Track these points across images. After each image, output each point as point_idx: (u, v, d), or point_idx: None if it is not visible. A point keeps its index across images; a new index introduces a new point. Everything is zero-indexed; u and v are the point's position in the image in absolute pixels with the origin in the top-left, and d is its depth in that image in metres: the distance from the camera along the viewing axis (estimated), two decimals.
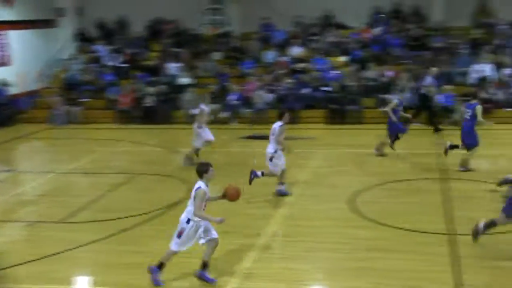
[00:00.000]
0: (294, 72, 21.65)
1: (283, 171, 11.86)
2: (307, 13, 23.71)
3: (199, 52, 23.76)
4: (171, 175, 13.97)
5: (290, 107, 20.11)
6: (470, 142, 13.20)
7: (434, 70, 19.01)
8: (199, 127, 14.43)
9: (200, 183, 7.90)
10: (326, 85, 20.73)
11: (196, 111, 14.94)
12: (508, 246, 9.07)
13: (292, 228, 10.28)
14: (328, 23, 23.89)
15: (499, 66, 20.03)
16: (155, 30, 25.41)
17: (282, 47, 23.11)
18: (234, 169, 14.19)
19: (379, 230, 9.96)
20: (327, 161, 14.94)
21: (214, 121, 20.32)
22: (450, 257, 8.65)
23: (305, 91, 20.71)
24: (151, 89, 21.77)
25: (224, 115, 20.52)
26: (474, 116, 12.97)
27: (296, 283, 8.09)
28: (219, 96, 21.04)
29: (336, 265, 8.63)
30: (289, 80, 21.13)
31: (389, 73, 20.69)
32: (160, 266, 8.02)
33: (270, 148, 11.67)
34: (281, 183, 11.99)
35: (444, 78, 20.12)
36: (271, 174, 11.87)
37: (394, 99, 15.06)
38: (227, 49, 23.89)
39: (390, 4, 23.61)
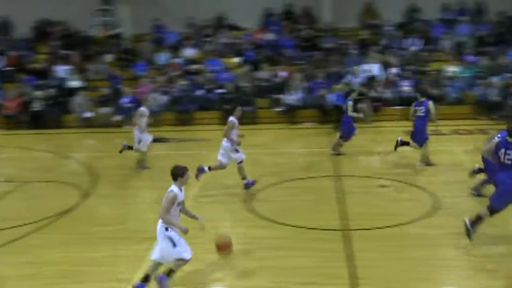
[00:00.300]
0: (187, 73, 21.49)
1: (221, 165, 12.14)
2: (199, 15, 23.60)
3: (90, 54, 23.05)
4: (63, 181, 13.43)
5: (184, 109, 20.07)
6: (422, 138, 13.59)
7: (356, 69, 19.54)
8: (141, 132, 13.90)
9: (173, 187, 7.54)
10: (220, 86, 20.72)
11: (136, 114, 14.28)
12: (401, 238, 9.39)
13: (190, 230, 10.11)
14: (220, 24, 23.90)
15: (386, 65, 20.81)
16: (42, 32, 24.39)
17: (175, 48, 22.87)
18: (126, 173, 13.93)
19: (276, 229, 10.03)
20: None
21: (107, 125, 19.87)
22: (345, 252, 8.84)
23: (199, 92, 20.59)
24: (39, 93, 20.86)
25: (117, 118, 20.02)
26: (427, 112, 13.42)
27: (196, 285, 7.98)
28: (111, 99, 20.54)
29: (235, 265, 8.58)
30: (183, 82, 20.94)
31: (282, 73, 20.98)
32: (169, 272, 7.62)
33: (226, 142, 11.99)
34: (209, 168, 12.23)
35: (335, 78, 20.67)
36: (241, 165, 12.06)
37: (349, 100, 15.16)
38: (118, 51, 23.33)
39: (282, 6, 23.94)
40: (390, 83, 20.21)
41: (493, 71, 20.11)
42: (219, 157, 12.14)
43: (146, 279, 7.64)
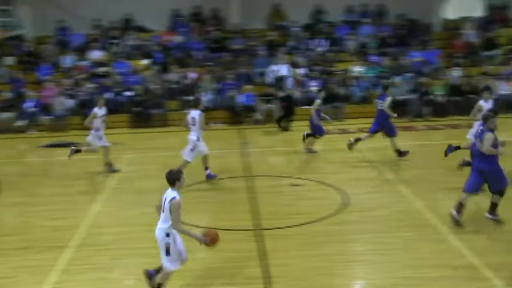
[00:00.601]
0: (94, 76, 21.00)
1: (205, 156, 12.63)
2: (105, 16, 23.10)
3: None
4: None
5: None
6: (392, 128, 13.99)
7: (295, 72, 19.70)
8: (96, 130, 13.57)
9: (173, 193, 7.22)
10: (129, 89, 20.38)
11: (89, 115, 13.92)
12: (313, 235, 9.53)
13: (100, 236, 9.88)
14: (128, 26, 23.50)
15: (294, 66, 21.14)
16: None
17: (81, 51, 22.29)
18: (32, 180, 13.42)
19: None
20: (133, 166, 14.63)
21: (9, 130, 19.10)
22: (258, 252, 8.87)
23: (107, 95, 20.13)
24: None
25: (20, 123, 19.27)
26: (387, 107, 13.84)
27: None
28: (14, 104, 19.76)
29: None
30: (90, 85, 20.44)
31: (191, 75, 20.88)
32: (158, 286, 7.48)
33: (193, 135, 12.33)
34: (207, 168, 12.68)
35: (244, 79, 20.80)
36: (186, 163, 12.36)
37: (317, 99, 15.11)
38: (20, 54, 22.47)
39: (190, 7, 23.81)
40: (298, 83, 20.54)
41: (395, 71, 20.89)
42: (185, 156, 12.40)
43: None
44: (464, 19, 22.78)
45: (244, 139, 16.22)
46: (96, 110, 13.67)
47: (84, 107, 19.68)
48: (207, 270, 8.31)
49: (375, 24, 23.31)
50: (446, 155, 12.55)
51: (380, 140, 14.69)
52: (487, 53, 21.99)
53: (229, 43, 22.60)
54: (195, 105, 12.50)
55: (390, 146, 14.15)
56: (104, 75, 21.08)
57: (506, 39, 22.75)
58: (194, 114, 12.32)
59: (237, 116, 19.64)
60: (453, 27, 23.26)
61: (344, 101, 20.08)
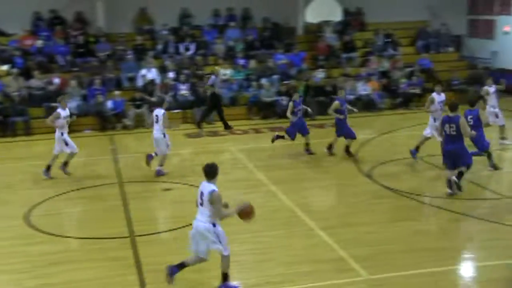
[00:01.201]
0: None
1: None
2: None
3: None
4: None
5: None
6: (342, 131, 14.38)
7: (218, 69, 19.36)
8: (62, 134, 13.10)
9: (210, 185, 7.48)
10: None
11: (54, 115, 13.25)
12: (184, 239, 9.53)
13: None
14: None
15: (163, 70, 21.05)
16: None
17: None
18: None
19: (61, 243, 9.67)
20: None
21: None
22: (134, 259, 8.80)
23: None
24: None
25: None
26: (346, 110, 14.39)
27: None
28: None
29: (16, 286, 8.10)
30: None
31: (56, 80, 20.15)
32: (226, 276, 7.71)
33: (157, 133, 13.00)
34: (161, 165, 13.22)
35: (112, 84, 20.42)
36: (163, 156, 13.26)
37: (289, 101, 15.14)
38: None
39: (51, 10, 22.93)
40: (167, 87, 20.48)
41: (262, 73, 21.41)
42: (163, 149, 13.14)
43: (181, 266, 7.80)
44: (325, 23, 23.78)
45: (114, 145, 15.93)
46: (59, 110, 13.23)
47: None
48: (79, 281, 8.13)
49: (241, 27, 23.74)
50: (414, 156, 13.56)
51: (249, 143, 15.05)
52: (346, 55, 23.14)
53: (95, 47, 22.04)
54: (159, 103, 13.36)
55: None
56: None
57: (362, 42, 24.11)
58: (158, 112, 12.99)
59: (106, 122, 19.21)
60: (315, 30, 24.21)
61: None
